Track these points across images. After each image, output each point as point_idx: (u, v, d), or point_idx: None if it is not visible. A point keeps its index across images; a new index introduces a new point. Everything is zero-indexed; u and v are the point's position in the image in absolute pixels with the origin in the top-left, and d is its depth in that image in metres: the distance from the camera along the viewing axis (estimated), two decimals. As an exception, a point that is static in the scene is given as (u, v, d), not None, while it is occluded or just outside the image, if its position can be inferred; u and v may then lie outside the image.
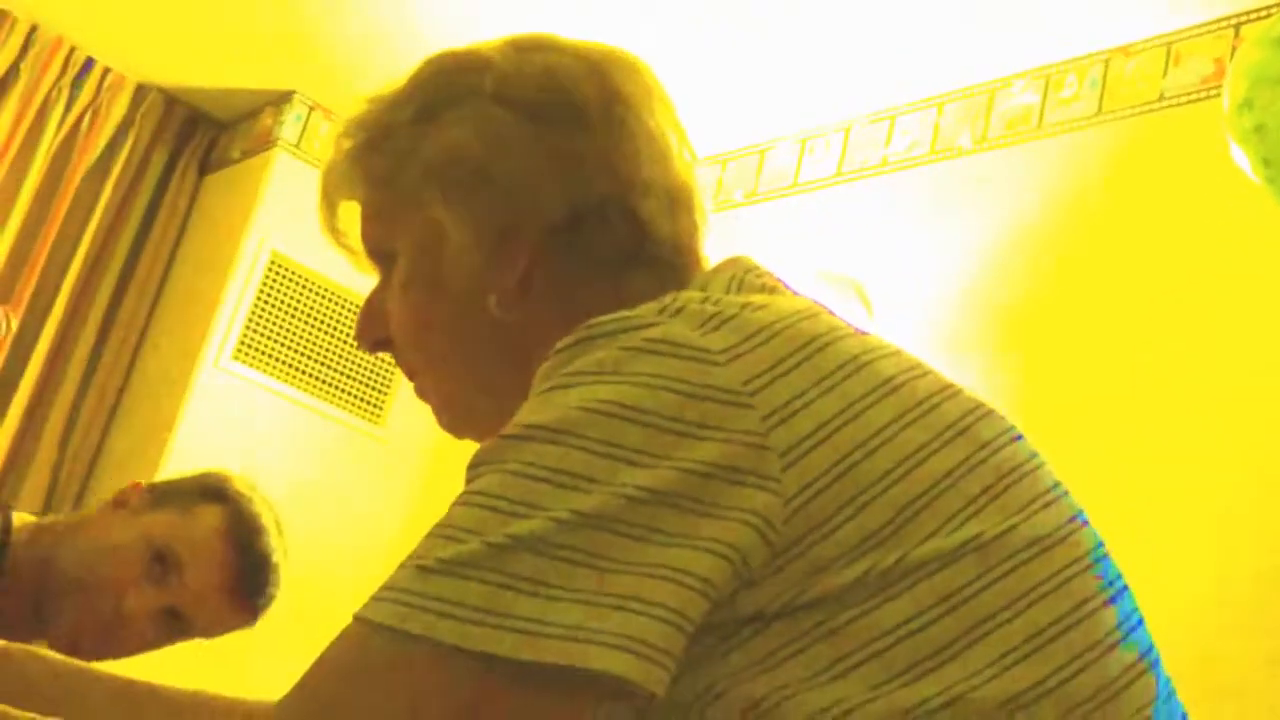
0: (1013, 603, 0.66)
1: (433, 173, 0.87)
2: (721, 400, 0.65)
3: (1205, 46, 2.51)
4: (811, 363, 0.68)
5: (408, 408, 3.65)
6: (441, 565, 0.62)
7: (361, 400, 3.63)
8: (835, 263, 2.76)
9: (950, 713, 0.63)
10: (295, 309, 3.59)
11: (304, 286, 3.60)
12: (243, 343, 3.49)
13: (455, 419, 0.94)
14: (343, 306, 3.63)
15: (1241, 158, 1.91)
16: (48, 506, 3.48)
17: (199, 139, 3.88)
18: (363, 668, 0.62)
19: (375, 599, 0.63)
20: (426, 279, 0.89)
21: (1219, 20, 2.50)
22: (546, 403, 0.68)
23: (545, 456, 0.65)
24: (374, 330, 0.93)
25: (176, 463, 3.36)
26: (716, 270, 0.84)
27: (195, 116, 3.88)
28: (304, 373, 3.57)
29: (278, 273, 3.57)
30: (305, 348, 3.58)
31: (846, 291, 2.63)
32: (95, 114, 3.69)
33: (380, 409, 3.65)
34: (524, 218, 0.86)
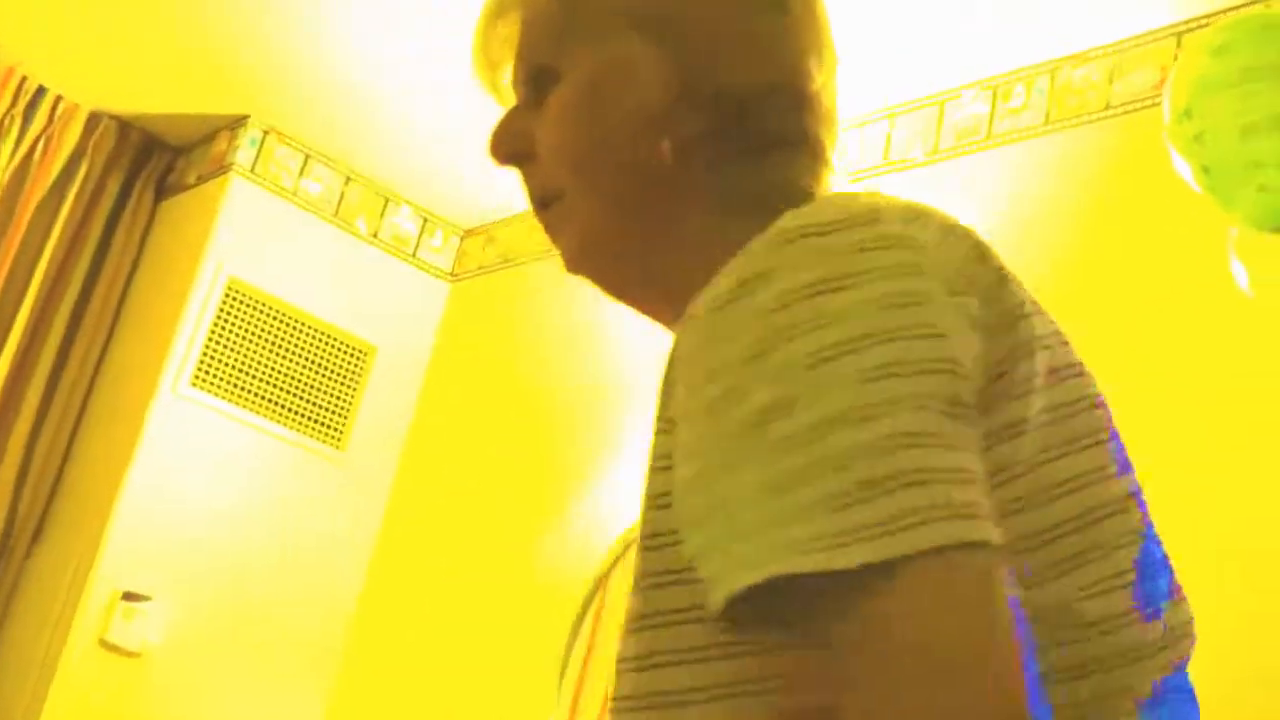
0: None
1: (633, 10, 0.89)
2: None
3: (1151, 55, 2.55)
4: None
5: (369, 431, 3.65)
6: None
7: (322, 424, 3.62)
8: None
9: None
10: (253, 334, 3.57)
11: (262, 312, 3.59)
12: (200, 369, 3.48)
13: (584, 250, 0.91)
14: (301, 331, 3.62)
15: (1183, 166, 1.95)
16: (7, 538, 3.45)
17: (154, 165, 3.86)
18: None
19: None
20: (604, 106, 0.89)
21: (1163, 29, 2.54)
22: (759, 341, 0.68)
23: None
24: (514, 144, 0.92)
25: (136, 489, 3.34)
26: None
27: (150, 142, 3.86)
28: (263, 398, 3.56)
29: (235, 298, 3.56)
30: (264, 373, 3.57)
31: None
32: (48, 142, 3.67)
33: (341, 433, 3.64)
34: (712, 75, 0.87)
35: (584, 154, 0.89)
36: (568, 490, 3.18)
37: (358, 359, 3.67)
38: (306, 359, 3.61)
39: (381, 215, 3.84)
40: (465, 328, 3.81)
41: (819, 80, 0.89)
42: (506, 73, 0.95)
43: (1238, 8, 2.39)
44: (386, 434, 3.69)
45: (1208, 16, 2.45)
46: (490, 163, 0.94)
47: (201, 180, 3.75)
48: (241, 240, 3.59)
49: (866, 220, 0.70)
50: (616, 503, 2.99)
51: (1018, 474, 0.70)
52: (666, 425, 0.71)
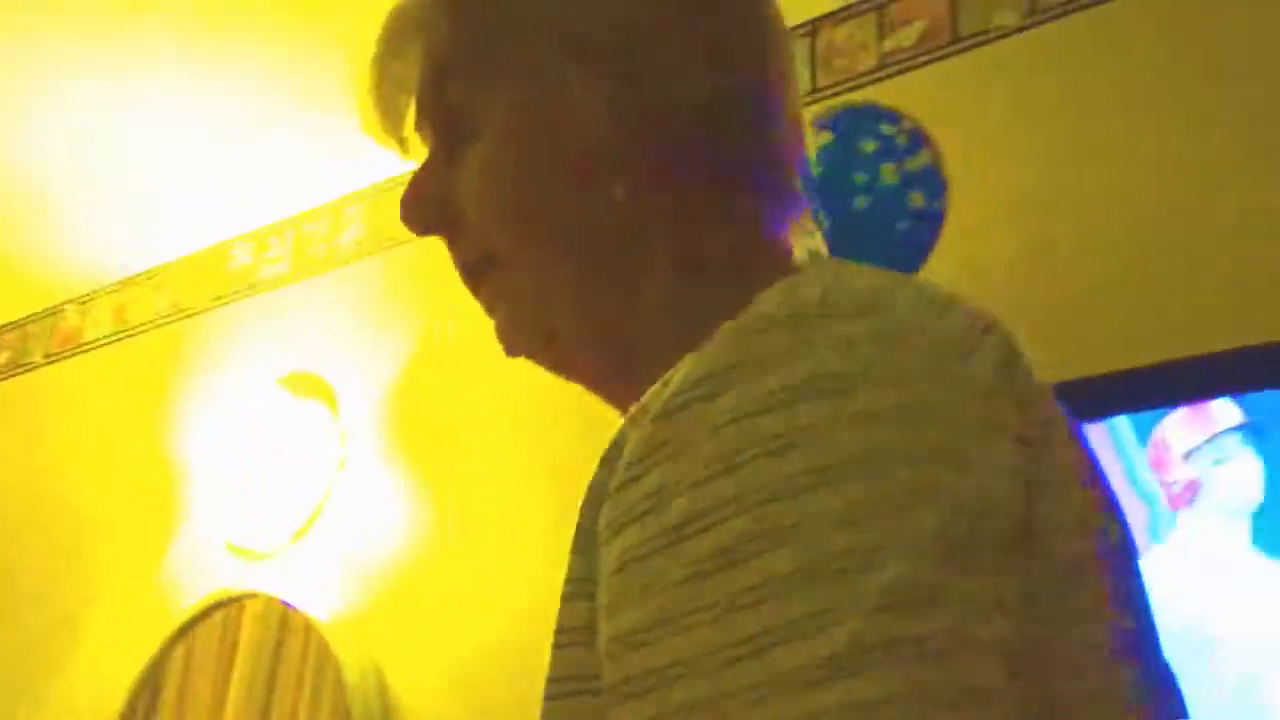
0: None
1: (563, 32, 0.75)
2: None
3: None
4: None
5: None
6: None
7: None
8: (302, 363, 2.63)
9: None
10: None
11: None
12: None
13: (525, 326, 0.76)
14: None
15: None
16: None
17: None
18: None
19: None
20: (536, 150, 0.75)
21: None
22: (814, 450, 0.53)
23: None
24: (432, 211, 0.78)
25: None
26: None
27: None
28: None
29: None
30: None
31: (314, 392, 2.56)
32: None
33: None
34: (663, 96, 0.73)
35: (519, 212, 0.75)
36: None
37: None
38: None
39: None
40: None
41: (781, 88, 0.77)
42: (408, 122, 0.81)
43: None
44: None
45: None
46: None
47: None
48: None
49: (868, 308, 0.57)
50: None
51: None
52: (586, 543, 0.58)
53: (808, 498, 0.50)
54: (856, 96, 2.09)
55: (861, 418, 0.52)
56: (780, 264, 0.70)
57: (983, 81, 2.02)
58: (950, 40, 2.13)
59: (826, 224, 1.80)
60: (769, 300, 0.59)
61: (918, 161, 1.88)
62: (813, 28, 2.26)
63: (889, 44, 2.18)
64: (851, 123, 1.95)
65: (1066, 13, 1.99)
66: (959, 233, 1.88)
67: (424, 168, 0.79)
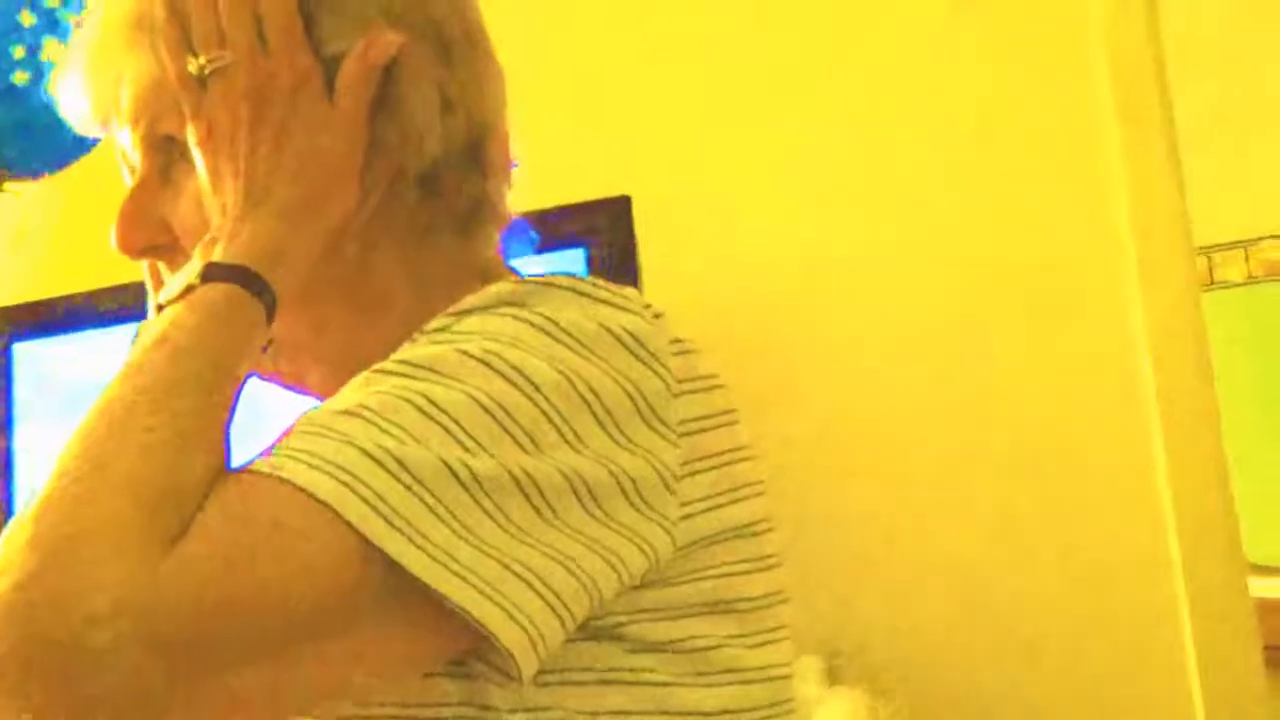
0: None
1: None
2: (661, 431, 0.67)
3: None
4: (721, 430, 0.72)
5: None
6: (384, 459, 0.59)
7: None
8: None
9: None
10: None
11: None
12: None
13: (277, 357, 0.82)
14: None
15: None
16: None
17: None
18: (274, 525, 0.57)
19: (306, 464, 0.58)
20: None
21: None
22: (515, 336, 0.66)
23: (508, 399, 0.63)
24: (149, 233, 0.78)
25: None
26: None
27: None
28: None
29: None
30: None
31: None
32: None
33: None
34: (403, 145, 0.76)
35: None
36: None
37: None
38: None
39: None
40: None
41: (499, 124, 0.82)
42: (114, 124, 0.80)
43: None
44: None
45: None
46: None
47: None
48: None
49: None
50: None
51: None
52: None
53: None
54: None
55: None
56: (488, 274, 0.77)
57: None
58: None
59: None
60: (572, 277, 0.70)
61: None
62: None
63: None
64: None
65: None
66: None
67: (138, 187, 0.78)
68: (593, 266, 1.76)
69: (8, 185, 1.89)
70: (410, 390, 0.62)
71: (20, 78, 1.80)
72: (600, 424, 0.65)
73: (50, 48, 1.80)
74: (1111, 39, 1.85)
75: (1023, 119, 1.88)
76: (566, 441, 0.64)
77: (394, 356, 0.66)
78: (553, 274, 0.70)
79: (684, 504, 0.68)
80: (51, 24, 1.81)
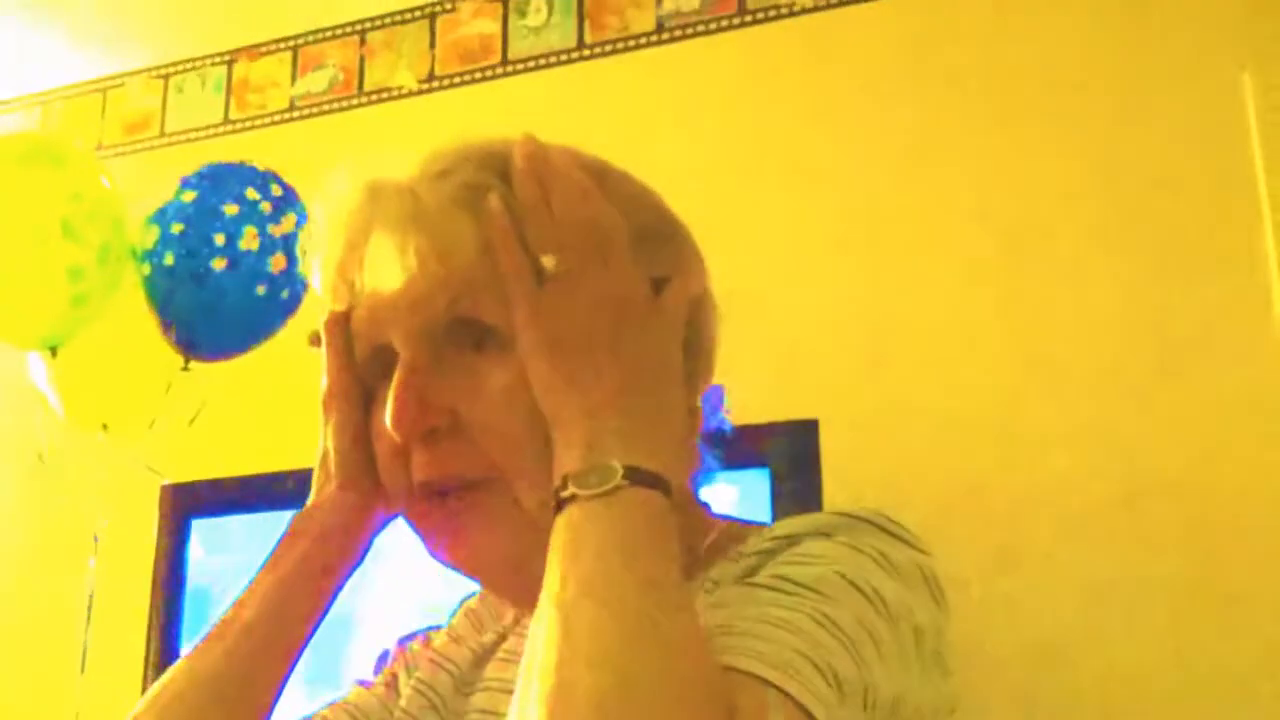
0: None
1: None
2: (946, 668, 0.75)
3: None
4: None
5: None
6: (830, 678, 0.64)
7: None
8: None
9: None
10: None
11: None
12: None
13: (487, 546, 0.75)
14: None
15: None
16: None
17: None
18: None
19: (806, 688, 0.62)
20: None
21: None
22: (859, 565, 0.71)
23: (878, 625, 0.68)
24: (433, 417, 0.73)
25: None
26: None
27: None
28: None
29: None
30: None
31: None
32: None
33: None
34: (707, 368, 0.82)
35: (532, 440, 0.73)
36: None
37: None
38: None
39: None
40: None
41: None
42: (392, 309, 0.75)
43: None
44: None
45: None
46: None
47: None
48: None
49: None
50: None
51: None
52: None
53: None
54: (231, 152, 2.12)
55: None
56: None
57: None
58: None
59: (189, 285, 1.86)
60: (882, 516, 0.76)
61: (282, 227, 1.91)
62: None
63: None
64: (216, 183, 1.94)
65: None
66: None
67: (420, 370, 0.74)
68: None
69: (192, 365, 1.94)
70: (818, 612, 0.67)
71: (218, 263, 1.86)
72: (919, 653, 0.71)
73: (248, 236, 1.87)
74: (1264, 125, 1.93)
75: (1180, 206, 1.96)
76: (907, 668, 0.70)
77: (769, 573, 0.70)
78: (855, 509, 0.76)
79: None
80: (253, 214, 1.88)
